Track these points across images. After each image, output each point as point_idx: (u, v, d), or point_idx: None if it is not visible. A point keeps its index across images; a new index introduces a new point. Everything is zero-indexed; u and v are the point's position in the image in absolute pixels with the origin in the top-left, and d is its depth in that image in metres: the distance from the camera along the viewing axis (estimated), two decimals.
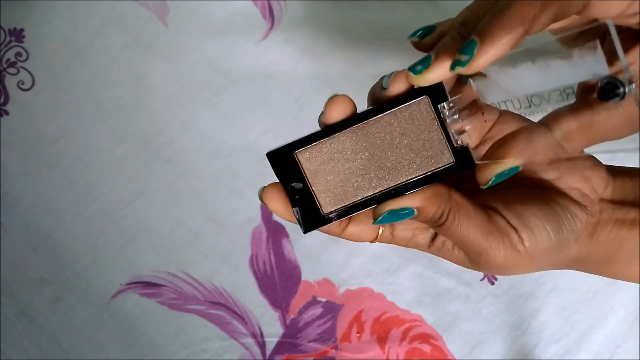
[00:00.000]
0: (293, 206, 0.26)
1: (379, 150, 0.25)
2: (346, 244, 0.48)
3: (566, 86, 0.22)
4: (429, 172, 0.25)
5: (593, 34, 0.20)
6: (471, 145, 0.25)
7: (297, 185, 0.25)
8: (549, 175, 0.27)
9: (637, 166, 0.29)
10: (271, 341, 0.47)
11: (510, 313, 0.46)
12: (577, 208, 0.27)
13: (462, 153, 0.25)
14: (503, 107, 0.25)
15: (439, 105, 0.24)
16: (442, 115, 0.24)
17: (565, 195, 0.27)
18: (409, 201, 0.25)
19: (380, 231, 0.28)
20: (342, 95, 0.24)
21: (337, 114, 0.24)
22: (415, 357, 0.46)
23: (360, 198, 0.26)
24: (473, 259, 0.27)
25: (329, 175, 0.25)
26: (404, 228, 0.28)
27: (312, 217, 0.26)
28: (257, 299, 0.47)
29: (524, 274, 0.46)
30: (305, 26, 0.50)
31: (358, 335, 0.46)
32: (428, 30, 0.27)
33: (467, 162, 0.25)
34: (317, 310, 0.47)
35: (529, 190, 0.27)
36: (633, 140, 0.26)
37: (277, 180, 0.26)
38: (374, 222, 0.25)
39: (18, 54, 0.50)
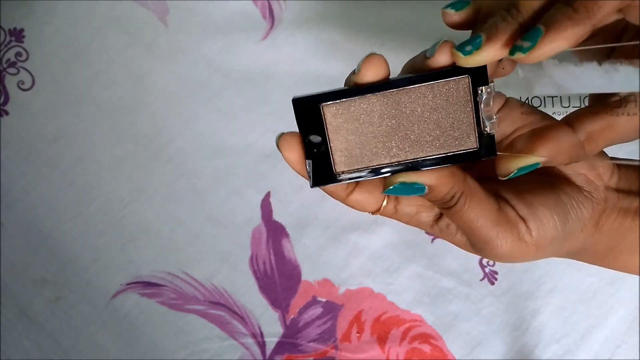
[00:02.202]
0: (307, 158, 0.25)
1: (406, 120, 0.24)
2: (346, 244, 0.48)
3: (631, 93, 0.22)
4: (450, 152, 0.25)
5: None
6: (497, 134, 0.25)
7: (316, 138, 0.25)
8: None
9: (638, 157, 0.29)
10: (271, 341, 0.47)
11: (510, 313, 0.46)
12: (583, 196, 0.26)
13: (487, 141, 0.24)
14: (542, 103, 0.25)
15: (478, 88, 0.24)
16: (478, 99, 0.24)
17: (570, 182, 0.27)
18: (424, 177, 0.24)
19: (384, 203, 0.27)
20: (379, 55, 0.24)
21: (372, 74, 0.24)
22: (415, 357, 0.46)
23: (375, 164, 0.25)
24: (476, 246, 0.27)
25: (351, 134, 0.25)
26: (408, 203, 0.28)
27: (322, 173, 0.25)
28: (257, 299, 0.47)
29: (523, 271, 0.46)
30: (305, 26, 0.50)
31: (358, 335, 0.46)
32: (462, 3, 0.25)
33: (490, 151, 0.24)
34: (317, 310, 0.47)
35: (537, 177, 0.27)
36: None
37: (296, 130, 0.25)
38: (383, 191, 0.25)
39: (18, 54, 0.50)
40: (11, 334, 0.48)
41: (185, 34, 0.51)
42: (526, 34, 0.21)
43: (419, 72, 0.24)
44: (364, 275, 0.47)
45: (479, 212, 0.25)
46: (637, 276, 0.42)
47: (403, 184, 0.24)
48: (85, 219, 0.49)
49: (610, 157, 0.28)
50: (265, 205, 0.49)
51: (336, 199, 0.27)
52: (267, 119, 0.50)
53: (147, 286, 0.48)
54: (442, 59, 0.23)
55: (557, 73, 0.22)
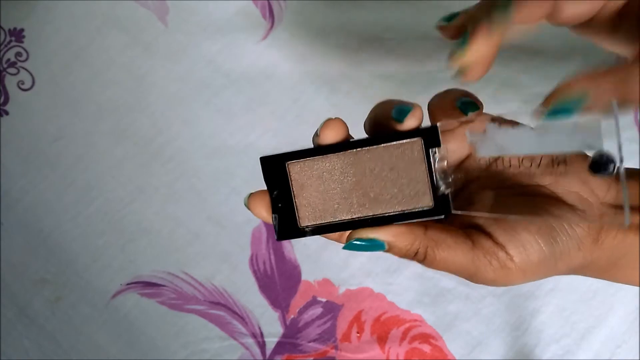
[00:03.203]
0: (273, 212, 0.27)
1: (366, 178, 0.26)
2: None
3: (559, 153, 0.23)
4: (407, 210, 0.26)
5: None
6: (452, 194, 0.26)
7: (282, 194, 0.26)
8: (544, 180, 0.27)
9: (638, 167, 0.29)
10: (271, 341, 0.47)
11: (510, 313, 0.46)
12: (574, 215, 0.26)
13: (441, 199, 0.26)
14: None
15: (430, 150, 0.25)
16: (431, 160, 0.25)
17: (561, 203, 0.26)
18: (380, 234, 0.25)
19: None
20: (336, 119, 0.25)
21: (331, 136, 0.25)
22: (415, 357, 0.46)
23: (337, 219, 0.26)
24: (467, 279, 0.27)
25: (314, 191, 0.26)
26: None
27: (288, 227, 0.27)
28: (257, 299, 0.47)
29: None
30: (305, 26, 0.50)
31: (358, 335, 0.46)
32: (453, 15, 0.26)
33: (445, 209, 0.26)
34: (317, 310, 0.47)
35: (522, 201, 0.27)
36: None
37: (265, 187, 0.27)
38: (343, 247, 0.26)
39: (18, 54, 0.50)
40: (11, 334, 0.48)
41: (185, 34, 0.51)
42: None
43: (379, 127, 0.26)
44: (364, 275, 0.47)
45: (452, 257, 0.26)
46: None
47: (360, 240, 0.26)
48: (85, 219, 0.49)
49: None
50: None
51: (331, 240, 0.28)
52: (267, 119, 0.50)
53: (147, 286, 0.48)
54: (409, 124, 0.25)
55: (498, 136, 0.24)
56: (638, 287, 0.45)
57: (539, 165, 0.26)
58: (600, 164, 0.21)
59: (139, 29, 0.51)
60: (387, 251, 0.26)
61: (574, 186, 0.26)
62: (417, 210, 0.26)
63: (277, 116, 0.50)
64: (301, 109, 0.50)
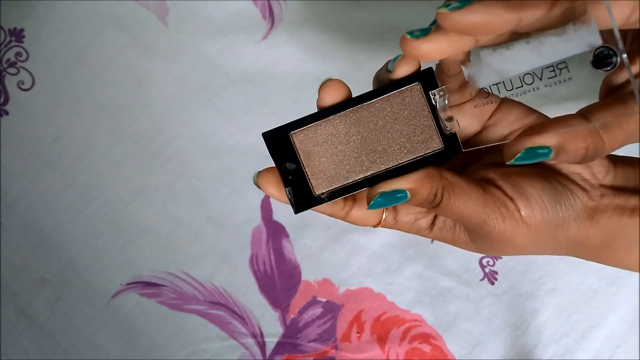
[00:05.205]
0: (285, 186, 0.26)
1: (371, 134, 0.26)
2: (346, 244, 0.48)
3: (560, 61, 0.23)
4: (419, 156, 0.26)
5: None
6: (459, 132, 0.26)
7: (291, 165, 0.26)
8: (549, 161, 0.27)
9: (638, 155, 0.29)
10: (271, 341, 0.47)
11: (510, 313, 0.46)
12: (577, 188, 0.27)
13: (451, 139, 0.26)
14: (496, 91, 0.25)
15: (430, 93, 0.25)
16: (433, 102, 0.25)
17: (566, 176, 0.27)
18: (401, 183, 0.25)
19: (384, 215, 0.28)
20: (335, 79, 0.25)
21: (331, 97, 0.25)
22: (415, 357, 0.46)
23: (351, 180, 0.26)
24: (475, 233, 0.27)
25: (322, 157, 0.26)
26: (406, 212, 0.29)
27: (303, 198, 0.26)
28: (257, 299, 0.47)
29: (523, 271, 0.46)
30: (305, 26, 0.50)
31: (358, 335, 0.46)
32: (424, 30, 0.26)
33: (455, 149, 0.26)
34: (317, 310, 0.47)
35: (530, 167, 0.27)
36: None
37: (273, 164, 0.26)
38: (368, 207, 0.25)
39: (18, 54, 0.50)
40: (11, 334, 0.48)
41: (185, 34, 0.51)
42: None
43: (381, 85, 0.26)
44: (364, 275, 0.47)
45: (465, 200, 0.25)
46: (637, 275, 0.42)
47: (384, 194, 0.25)
48: (85, 219, 0.49)
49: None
50: (266, 206, 0.49)
51: (336, 218, 0.28)
52: (267, 119, 0.50)
53: (147, 286, 0.48)
54: (402, 71, 0.24)
55: (494, 61, 0.23)
56: (638, 287, 0.45)
57: None
58: (602, 58, 0.21)
59: (139, 29, 0.51)
60: (410, 200, 0.25)
61: (577, 168, 0.27)
62: (428, 154, 0.26)
63: (277, 116, 0.50)
64: (301, 109, 0.49)
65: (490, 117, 0.28)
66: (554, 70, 0.23)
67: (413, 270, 0.47)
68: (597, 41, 0.21)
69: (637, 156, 0.29)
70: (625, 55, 0.21)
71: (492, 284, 0.47)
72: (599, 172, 0.27)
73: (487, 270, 0.47)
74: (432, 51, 0.23)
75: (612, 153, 0.29)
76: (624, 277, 0.45)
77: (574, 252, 0.29)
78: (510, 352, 0.46)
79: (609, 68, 0.21)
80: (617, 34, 0.20)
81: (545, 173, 0.27)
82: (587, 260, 0.29)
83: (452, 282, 0.47)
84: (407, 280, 0.47)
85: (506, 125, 0.28)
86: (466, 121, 0.27)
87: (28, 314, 0.48)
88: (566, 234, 0.27)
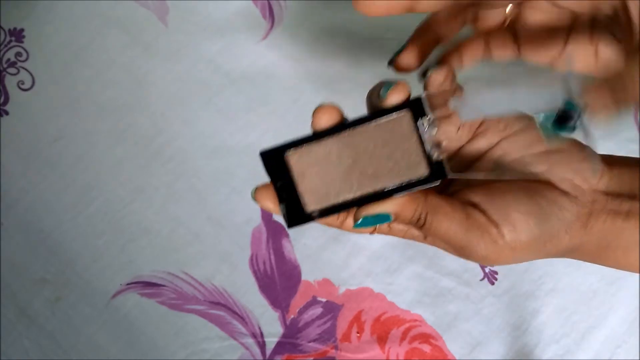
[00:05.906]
0: (280, 202, 0.28)
1: (362, 157, 0.27)
2: (346, 244, 0.48)
3: (530, 112, 0.24)
4: (405, 181, 0.27)
5: None
6: (445, 158, 0.27)
7: (285, 184, 0.27)
8: (538, 167, 0.28)
9: (638, 156, 0.29)
10: (271, 341, 0.47)
11: (510, 313, 0.46)
12: (565, 200, 0.27)
13: (436, 166, 0.27)
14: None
15: (418, 121, 0.26)
16: (420, 130, 0.26)
17: (553, 187, 0.28)
18: (385, 207, 0.26)
19: (377, 225, 0.29)
20: (328, 104, 0.26)
21: (324, 122, 0.26)
22: (415, 357, 0.46)
23: (341, 200, 0.27)
24: (458, 253, 0.28)
25: (315, 177, 0.27)
26: (399, 222, 0.29)
27: (296, 214, 0.28)
28: (257, 299, 0.47)
29: (523, 271, 0.46)
30: (305, 26, 0.50)
31: (358, 335, 0.46)
32: (400, 49, 0.30)
33: (440, 175, 0.27)
34: (317, 310, 0.47)
35: (515, 184, 0.28)
36: None
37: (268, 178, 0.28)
38: (353, 226, 0.27)
39: (18, 54, 0.50)
40: (11, 334, 0.47)
41: (185, 34, 0.51)
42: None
43: (374, 108, 0.27)
44: (364, 275, 0.47)
45: (447, 224, 0.27)
46: (637, 276, 0.42)
47: (368, 216, 0.27)
48: (85, 219, 0.49)
49: (605, 156, 0.28)
50: None
51: (333, 227, 0.29)
52: (267, 119, 0.50)
53: (147, 286, 0.48)
54: (394, 99, 0.26)
55: (475, 99, 0.25)
56: (638, 287, 0.45)
57: None
58: (564, 119, 0.22)
59: (139, 29, 0.51)
60: (395, 221, 0.27)
61: (567, 173, 0.28)
62: (414, 180, 0.27)
63: (277, 116, 0.50)
64: (301, 109, 0.50)
65: (479, 126, 0.29)
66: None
67: (413, 270, 0.47)
68: (562, 100, 0.22)
69: (638, 156, 0.29)
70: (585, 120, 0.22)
71: (492, 284, 0.47)
72: (590, 177, 0.28)
73: (487, 270, 0.47)
74: (410, 61, 0.29)
75: (612, 153, 0.30)
76: (624, 278, 0.45)
77: (569, 256, 0.29)
78: (510, 352, 0.46)
79: (569, 130, 0.22)
80: (580, 103, 0.21)
81: (532, 188, 0.28)
82: (581, 260, 0.29)
83: (452, 282, 0.47)
84: (407, 280, 0.47)
85: (496, 133, 0.29)
86: (453, 132, 0.29)
87: (28, 314, 0.48)
88: (557, 246, 0.27)
